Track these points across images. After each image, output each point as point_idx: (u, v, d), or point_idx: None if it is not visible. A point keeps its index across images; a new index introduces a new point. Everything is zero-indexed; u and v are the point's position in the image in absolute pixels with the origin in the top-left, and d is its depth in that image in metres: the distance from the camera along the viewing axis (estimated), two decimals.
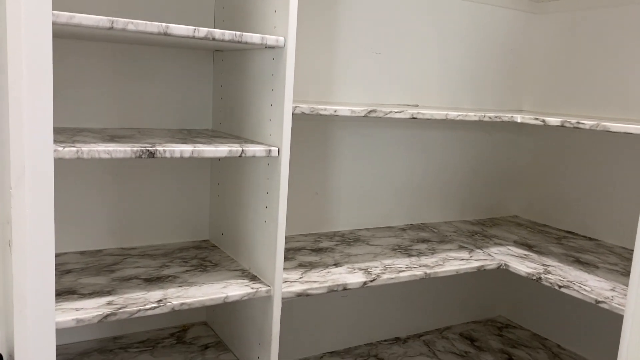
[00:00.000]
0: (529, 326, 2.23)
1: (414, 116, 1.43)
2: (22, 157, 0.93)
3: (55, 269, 1.31)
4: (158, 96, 1.51)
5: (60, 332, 1.46)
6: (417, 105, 1.88)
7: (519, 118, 1.62)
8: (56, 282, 1.22)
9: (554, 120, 1.52)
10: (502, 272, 2.31)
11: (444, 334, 2.15)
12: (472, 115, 1.53)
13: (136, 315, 1.13)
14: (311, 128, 1.75)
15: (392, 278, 1.47)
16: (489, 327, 2.23)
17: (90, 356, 1.43)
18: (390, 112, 1.40)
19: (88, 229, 1.47)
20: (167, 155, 1.12)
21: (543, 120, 1.54)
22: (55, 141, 1.08)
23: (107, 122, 1.45)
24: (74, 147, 1.03)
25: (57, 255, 1.41)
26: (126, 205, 1.52)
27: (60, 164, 1.41)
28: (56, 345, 1.45)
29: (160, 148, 1.11)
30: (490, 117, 1.57)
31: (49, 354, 1.01)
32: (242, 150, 1.21)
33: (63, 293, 1.18)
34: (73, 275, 1.28)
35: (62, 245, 1.44)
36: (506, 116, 1.61)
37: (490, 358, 1.97)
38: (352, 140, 1.84)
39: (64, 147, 1.01)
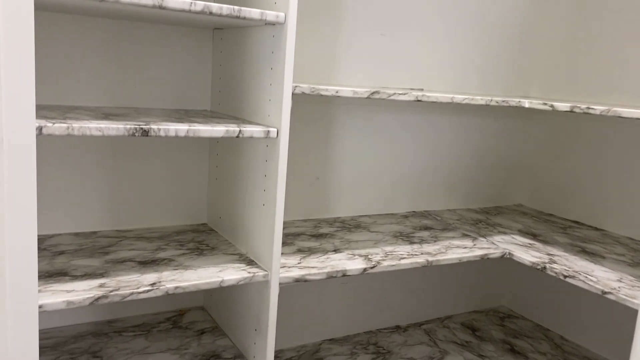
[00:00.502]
0: (531, 316, 2.19)
1: (419, 98, 1.39)
2: (1, 131, 0.89)
3: (48, 250, 1.28)
4: (155, 75, 1.47)
5: (53, 314, 1.44)
6: (421, 90, 1.83)
7: (526, 103, 1.57)
8: (48, 264, 1.19)
9: (562, 105, 1.47)
10: (505, 262, 2.27)
11: (445, 323, 2.12)
12: (479, 99, 1.49)
13: (129, 298, 1.10)
14: (312, 111, 1.70)
15: (392, 265, 1.43)
16: (490, 317, 2.20)
17: (84, 339, 1.40)
18: (394, 93, 1.36)
19: (83, 210, 1.44)
20: (162, 134, 1.08)
21: (552, 106, 1.49)
22: (45, 118, 1.04)
23: (102, 101, 1.41)
24: (65, 123, 0.99)
25: (50, 237, 1.38)
26: (122, 186, 1.48)
27: (53, 142, 1.37)
28: (49, 328, 1.44)
29: (154, 126, 1.07)
30: (497, 102, 1.52)
31: (31, 339, 0.98)
32: (240, 130, 1.17)
33: (54, 275, 1.15)
34: (66, 257, 1.25)
35: (56, 226, 1.41)
36: (513, 101, 1.56)
37: (492, 348, 1.94)
38: (355, 124, 1.80)
39: (53, 123, 0.98)
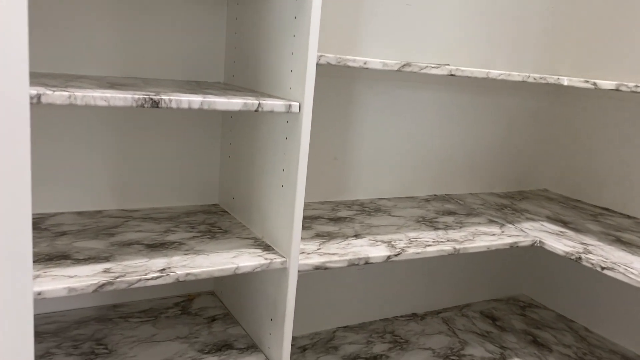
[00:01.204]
0: (553, 306, 2.10)
1: (452, 73, 1.27)
2: None
3: (49, 231, 1.19)
4: (164, 44, 1.36)
5: (55, 299, 1.35)
6: (448, 65, 1.71)
7: (565, 80, 1.46)
8: (48, 245, 1.10)
9: (607, 84, 1.35)
10: (526, 248, 2.17)
11: (464, 311, 2.03)
12: (516, 75, 1.37)
13: (136, 285, 1.00)
14: (332, 86, 1.59)
15: (418, 253, 1.34)
16: (511, 306, 2.11)
17: (87, 325, 1.32)
18: (427, 66, 1.24)
19: (87, 188, 1.34)
20: (174, 105, 0.97)
21: (594, 83, 1.37)
22: (45, 85, 0.93)
23: (109, 70, 1.31)
24: (66, 91, 0.89)
25: (51, 216, 1.29)
26: (129, 163, 1.38)
27: (55, 113, 1.27)
28: (51, 312, 1.35)
29: (165, 97, 0.97)
30: (535, 78, 1.40)
31: (25, 330, 0.89)
32: (259, 104, 1.06)
33: (55, 258, 1.05)
34: (68, 238, 1.16)
35: (58, 204, 1.31)
36: (552, 77, 1.44)
37: (514, 339, 1.85)
38: (376, 101, 1.69)
39: (54, 91, 0.87)
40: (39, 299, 0.98)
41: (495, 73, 1.35)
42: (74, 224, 1.25)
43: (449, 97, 1.81)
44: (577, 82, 1.43)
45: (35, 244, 1.11)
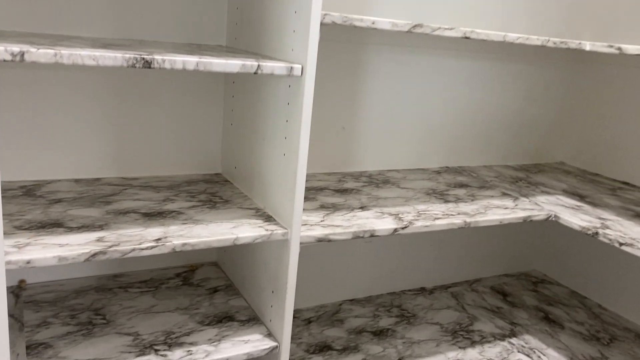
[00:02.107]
0: (566, 282, 2.05)
1: (467, 35, 1.19)
2: None
3: (44, 198, 1.15)
4: (165, 5, 1.29)
5: (54, 268, 1.32)
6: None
7: (587, 45, 1.37)
8: (42, 213, 1.07)
9: (632, 48, 1.27)
10: (541, 222, 2.11)
11: (474, 286, 1.98)
12: (534, 39, 1.29)
13: (130, 255, 0.97)
14: (340, 52, 1.52)
15: (426, 226, 1.28)
16: (522, 282, 2.06)
17: (86, 295, 1.29)
18: (439, 28, 1.17)
19: (86, 155, 1.30)
20: (167, 65, 0.92)
21: (619, 48, 1.29)
22: (32, 43, 0.88)
23: (105, 32, 1.25)
24: (52, 49, 0.83)
25: (47, 183, 1.25)
26: (129, 130, 1.34)
27: (53, 78, 1.22)
28: (49, 281, 1.33)
29: (158, 57, 0.91)
30: (554, 43, 1.32)
31: None
32: (258, 65, 1.00)
33: (48, 225, 1.02)
34: (62, 206, 1.12)
35: (55, 171, 1.27)
36: (573, 42, 1.35)
37: (525, 315, 1.81)
38: (386, 68, 1.61)
39: (38, 49, 0.82)
40: (29, 267, 0.94)
41: (512, 36, 1.27)
42: (70, 192, 1.21)
43: (463, 64, 1.73)
44: (600, 47, 1.34)
45: (28, 211, 1.08)
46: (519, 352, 1.58)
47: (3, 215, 1.04)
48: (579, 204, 1.57)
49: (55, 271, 1.33)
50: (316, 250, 1.67)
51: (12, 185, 1.21)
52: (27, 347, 1.07)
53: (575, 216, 1.45)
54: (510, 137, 1.94)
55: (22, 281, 1.29)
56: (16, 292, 1.26)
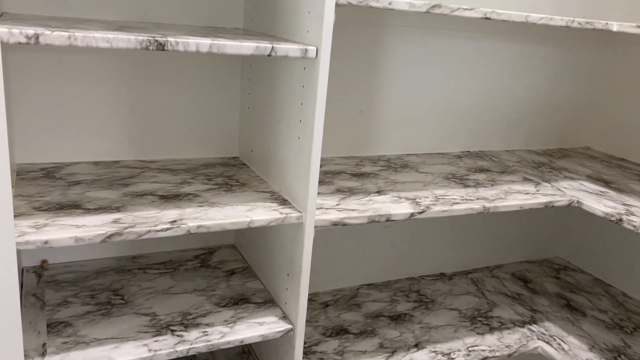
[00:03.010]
0: (590, 270, 2.01)
1: (487, 16, 1.16)
2: None
3: (63, 180, 1.17)
4: None
5: (75, 248, 1.35)
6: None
7: (615, 26, 1.32)
8: (61, 194, 1.08)
9: None
10: (563, 208, 2.06)
11: (494, 272, 1.96)
12: (558, 20, 1.25)
13: (145, 236, 0.98)
14: (356, 34, 1.50)
15: (444, 211, 1.27)
16: (544, 268, 2.02)
17: (106, 275, 1.32)
18: (459, 8, 1.14)
19: (104, 138, 1.32)
20: (180, 48, 0.91)
21: None
22: (47, 26, 0.89)
23: (121, 15, 1.25)
24: (66, 32, 0.84)
25: (66, 165, 1.27)
26: (148, 113, 1.34)
27: (72, 62, 1.23)
28: (70, 262, 1.35)
29: (172, 39, 0.91)
30: (580, 23, 1.28)
31: (9, 281, 0.87)
32: (272, 47, 0.99)
33: (66, 207, 1.04)
34: (81, 188, 1.14)
35: (74, 154, 1.29)
36: (600, 23, 1.31)
37: (546, 302, 1.78)
38: (405, 50, 1.58)
39: (52, 31, 0.82)
40: (47, 248, 0.96)
41: (535, 17, 1.23)
42: (89, 174, 1.23)
43: (485, 47, 1.69)
44: (628, 27, 1.29)
45: (47, 192, 1.10)
46: (538, 339, 1.56)
47: (22, 196, 1.07)
48: (603, 189, 1.53)
49: (76, 252, 1.36)
50: (334, 235, 1.66)
51: (33, 167, 1.23)
52: (48, 325, 1.10)
53: (599, 202, 1.41)
54: (533, 121, 1.89)
55: (44, 261, 1.32)
56: (38, 272, 1.29)
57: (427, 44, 1.60)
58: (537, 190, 1.47)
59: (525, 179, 1.56)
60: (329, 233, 1.65)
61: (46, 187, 1.13)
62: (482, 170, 1.62)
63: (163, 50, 0.90)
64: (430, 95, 1.67)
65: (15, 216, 0.97)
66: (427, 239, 1.83)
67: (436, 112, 1.70)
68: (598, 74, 1.93)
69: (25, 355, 1.00)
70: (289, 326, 1.18)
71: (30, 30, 0.81)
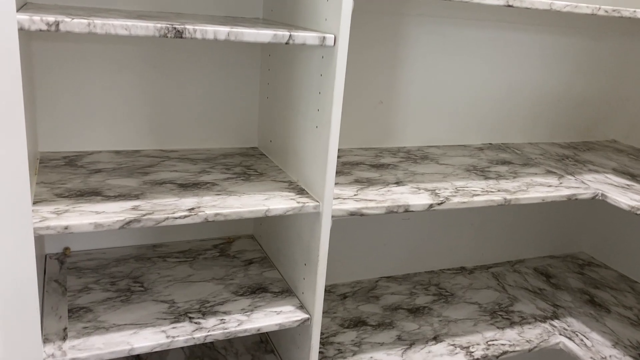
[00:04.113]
0: (615, 266, 1.96)
1: (510, 3, 1.14)
2: None
3: (84, 168, 1.19)
4: None
5: (96, 236, 1.37)
6: None
7: None
8: (81, 182, 1.10)
9: None
10: (587, 202, 2.02)
11: (516, 267, 1.93)
12: (584, 7, 1.22)
13: (163, 223, 0.99)
14: (377, 22, 1.48)
15: (464, 202, 1.25)
16: (568, 264, 1.99)
17: (126, 263, 1.34)
18: None
19: (126, 127, 1.33)
20: (198, 35, 0.92)
21: None
22: (67, 14, 0.90)
23: (142, 5, 1.26)
24: (86, 19, 0.85)
25: (89, 154, 1.29)
26: (169, 103, 1.36)
27: (94, 52, 1.24)
28: (92, 249, 1.38)
29: (190, 27, 0.91)
30: (606, 11, 1.24)
31: (27, 265, 0.89)
32: (290, 35, 0.99)
33: (86, 194, 1.05)
34: (102, 176, 1.16)
35: (96, 143, 1.31)
36: (627, 10, 1.27)
37: (569, 298, 1.75)
38: (426, 40, 1.57)
39: (72, 19, 0.84)
40: (68, 233, 0.98)
41: (559, 4, 1.20)
42: (110, 162, 1.24)
43: (507, 36, 1.66)
44: None
45: (68, 180, 1.11)
46: (560, 334, 1.53)
47: (45, 183, 1.08)
48: (629, 182, 1.49)
49: (97, 240, 1.38)
50: (354, 227, 1.66)
51: (56, 155, 1.25)
52: (69, 311, 1.12)
53: (625, 195, 1.38)
54: (558, 113, 1.85)
55: (66, 249, 1.34)
56: (61, 258, 1.32)
57: (448, 33, 1.58)
58: (560, 183, 1.44)
59: (548, 172, 1.53)
60: (348, 225, 1.64)
61: (68, 174, 1.14)
62: (504, 162, 1.59)
63: (181, 37, 0.91)
64: (451, 86, 1.65)
65: (36, 202, 0.99)
66: (448, 233, 1.81)
67: (457, 104, 1.68)
68: (625, 65, 1.88)
69: (47, 339, 1.02)
70: (306, 315, 1.18)
71: (51, 18, 0.82)
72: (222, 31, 0.94)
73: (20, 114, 0.82)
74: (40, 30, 0.81)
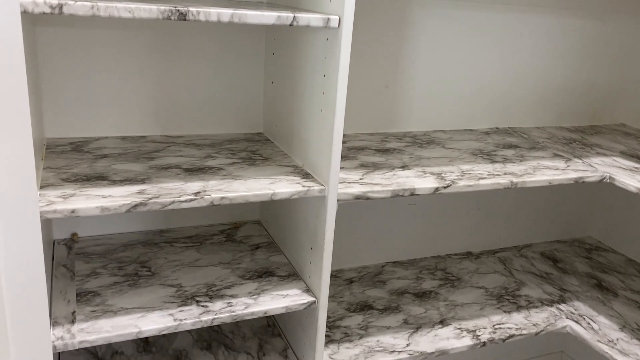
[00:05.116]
0: (623, 250, 1.95)
1: None
2: None
3: (90, 153, 1.19)
4: None
5: (104, 222, 1.38)
6: None
7: None
8: (88, 167, 1.11)
9: None
10: (595, 185, 2.00)
11: (523, 252, 1.93)
12: None
13: (169, 207, 0.99)
14: (383, 6, 1.47)
15: (470, 185, 1.24)
16: (575, 248, 1.98)
17: (133, 248, 1.34)
18: None
19: (131, 113, 1.33)
20: (202, 17, 0.91)
21: None
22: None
23: None
24: (89, 2, 0.85)
25: (95, 139, 1.29)
26: (174, 89, 1.35)
27: (99, 37, 1.24)
28: (99, 235, 1.39)
29: (193, 9, 0.91)
30: None
31: (34, 247, 0.89)
32: (294, 17, 0.99)
33: (92, 179, 1.06)
34: (107, 161, 1.16)
35: (102, 128, 1.31)
36: None
37: (576, 282, 1.74)
38: (433, 23, 1.55)
39: (75, 1, 0.83)
40: (75, 217, 0.99)
41: None
42: (116, 148, 1.25)
43: (515, 19, 1.64)
44: None
45: (75, 165, 1.12)
46: (567, 318, 1.53)
47: (51, 168, 1.09)
48: (637, 165, 1.48)
49: (105, 225, 1.38)
50: (360, 212, 1.66)
51: (62, 141, 1.26)
52: (77, 295, 1.13)
53: (633, 178, 1.37)
54: (565, 97, 1.84)
55: (74, 234, 1.35)
56: (69, 244, 1.33)
57: (455, 17, 1.57)
58: (568, 166, 1.43)
59: (556, 155, 1.52)
60: (354, 210, 1.64)
61: (74, 160, 1.15)
62: (510, 146, 1.58)
63: (185, 20, 0.90)
64: (458, 70, 1.64)
65: (43, 187, 0.99)
66: (454, 217, 1.81)
67: (464, 88, 1.67)
68: (634, 47, 1.86)
69: (56, 322, 1.03)
70: (312, 299, 1.19)
71: (54, 0, 0.82)
72: (225, 13, 0.93)
73: (24, 98, 0.82)
74: (44, 13, 0.81)
